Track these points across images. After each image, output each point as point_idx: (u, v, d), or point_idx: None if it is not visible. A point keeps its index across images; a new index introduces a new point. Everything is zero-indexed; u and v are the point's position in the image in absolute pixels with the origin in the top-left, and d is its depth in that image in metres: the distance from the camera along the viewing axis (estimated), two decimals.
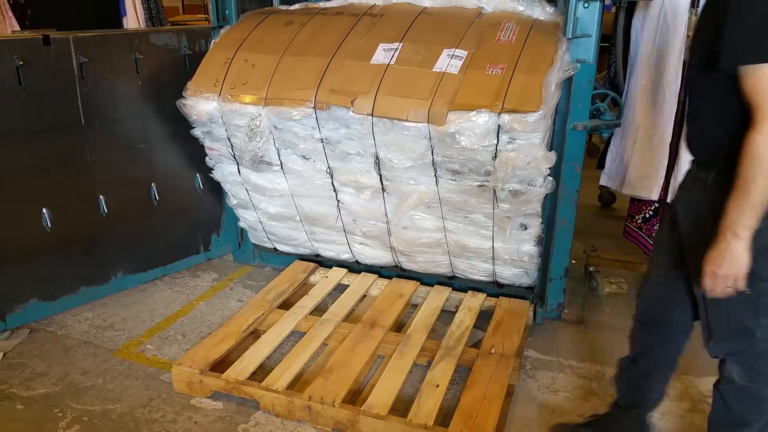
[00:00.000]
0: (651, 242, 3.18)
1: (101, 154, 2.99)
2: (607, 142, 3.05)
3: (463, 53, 2.46)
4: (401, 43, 2.56)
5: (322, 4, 3.03)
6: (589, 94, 2.56)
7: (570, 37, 2.45)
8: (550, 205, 2.66)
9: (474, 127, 2.26)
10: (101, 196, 3.02)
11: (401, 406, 2.30)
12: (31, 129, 2.74)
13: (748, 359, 1.77)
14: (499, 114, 2.23)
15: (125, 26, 5.04)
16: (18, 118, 2.69)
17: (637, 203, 3.20)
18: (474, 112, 2.25)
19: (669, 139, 2.87)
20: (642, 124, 2.88)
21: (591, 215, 4.46)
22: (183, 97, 2.73)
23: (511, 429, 2.26)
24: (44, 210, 2.83)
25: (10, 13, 4.61)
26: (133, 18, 5.14)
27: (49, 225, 2.85)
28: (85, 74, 2.85)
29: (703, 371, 2.60)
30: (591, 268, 3.24)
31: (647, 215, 3.19)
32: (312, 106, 2.50)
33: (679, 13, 2.70)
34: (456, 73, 2.40)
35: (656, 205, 3.13)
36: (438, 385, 2.31)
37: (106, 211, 3.04)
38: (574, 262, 3.18)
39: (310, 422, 2.25)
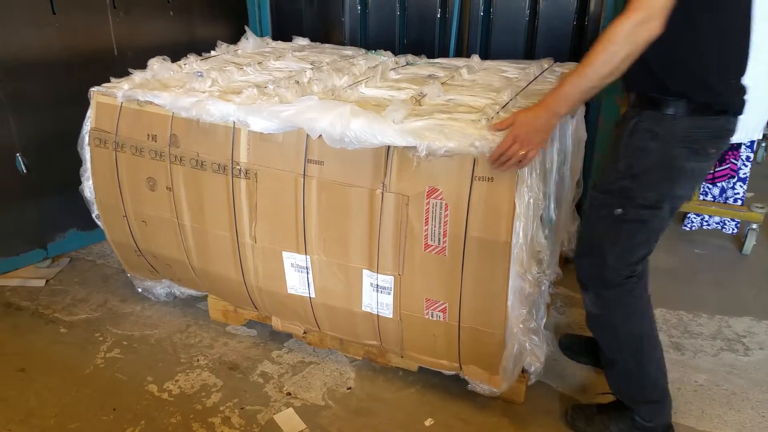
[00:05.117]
0: None
1: None
2: None
3: (388, 281, 1.97)
4: (307, 257, 2.06)
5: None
6: None
7: None
8: (589, 138, 2.58)
9: None
10: None
11: None
12: (65, 59, 2.74)
13: (598, 287, 1.78)
14: None
15: None
16: (53, 48, 2.69)
17: None
18: None
19: None
20: None
21: None
22: None
23: None
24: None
25: None
26: None
27: None
28: (116, 4, 2.83)
29: (739, 311, 2.56)
30: None
31: None
32: None
33: None
34: (391, 316, 2.03)
35: None
36: None
37: None
38: None
39: (341, 351, 2.29)
